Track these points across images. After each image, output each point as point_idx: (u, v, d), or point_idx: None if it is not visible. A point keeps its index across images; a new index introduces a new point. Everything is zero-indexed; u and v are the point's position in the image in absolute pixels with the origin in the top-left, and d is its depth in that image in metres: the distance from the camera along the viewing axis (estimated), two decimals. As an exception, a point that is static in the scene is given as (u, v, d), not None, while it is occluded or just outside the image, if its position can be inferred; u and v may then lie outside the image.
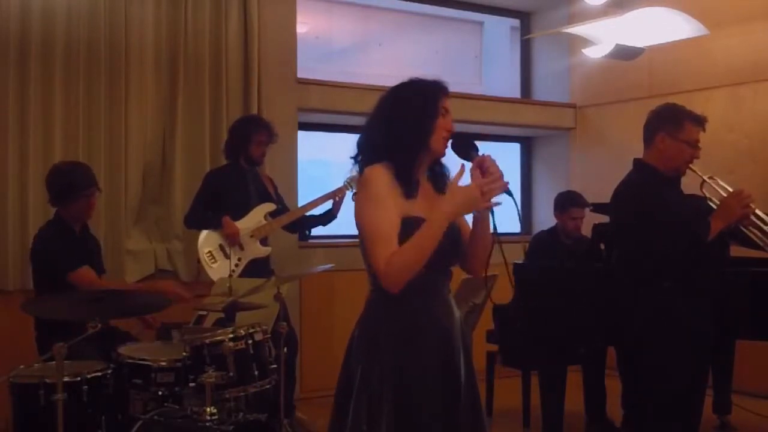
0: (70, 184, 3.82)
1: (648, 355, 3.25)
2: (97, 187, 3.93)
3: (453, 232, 2.30)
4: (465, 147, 2.29)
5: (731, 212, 3.17)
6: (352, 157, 2.34)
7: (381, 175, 2.21)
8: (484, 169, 2.20)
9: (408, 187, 2.23)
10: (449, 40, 7.38)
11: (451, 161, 2.40)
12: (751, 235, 3.25)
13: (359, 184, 2.27)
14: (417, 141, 2.26)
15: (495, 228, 2.24)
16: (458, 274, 2.41)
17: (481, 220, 2.28)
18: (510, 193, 2.22)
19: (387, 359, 2.19)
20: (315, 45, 6.45)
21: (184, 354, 3.37)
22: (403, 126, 2.25)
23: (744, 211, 3.17)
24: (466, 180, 2.20)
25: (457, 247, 2.31)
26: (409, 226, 2.19)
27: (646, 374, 3.28)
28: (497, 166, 2.20)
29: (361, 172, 2.28)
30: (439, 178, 2.36)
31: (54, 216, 3.95)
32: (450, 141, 2.30)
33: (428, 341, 2.22)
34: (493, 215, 2.23)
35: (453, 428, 2.22)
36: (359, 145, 2.33)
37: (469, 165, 2.25)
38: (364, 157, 2.31)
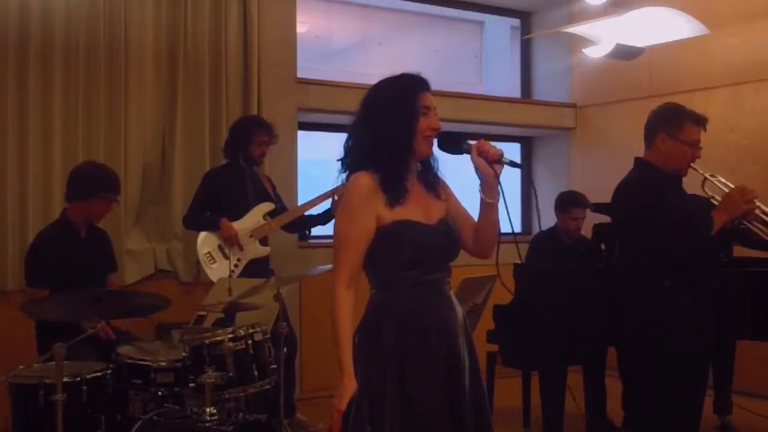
0: (95, 179, 3.82)
1: (648, 354, 3.24)
2: (118, 194, 3.92)
3: (450, 230, 2.30)
4: (454, 143, 2.25)
5: (735, 206, 3.17)
6: (339, 160, 2.30)
7: (361, 185, 2.20)
8: (484, 152, 2.19)
9: (394, 194, 2.21)
10: (449, 40, 7.37)
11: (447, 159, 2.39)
12: (757, 230, 3.24)
13: (345, 189, 2.26)
14: (399, 148, 2.22)
15: (502, 192, 2.22)
16: (458, 274, 2.41)
17: (486, 207, 2.25)
18: (514, 164, 2.22)
19: (388, 358, 2.18)
20: (315, 45, 6.45)
21: (184, 354, 3.36)
22: (383, 133, 2.20)
23: (748, 207, 3.17)
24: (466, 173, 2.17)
25: (455, 244, 2.31)
26: (401, 228, 2.19)
27: (646, 374, 3.27)
28: (496, 147, 2.20)
29: (348, 176, 2.27)
30: (429, 174, 2.34)
31: (60, 217, 3.94)
32: (437, 142, 2.25)
33: (430, 339, 2.21)
34: (500, 183, 2.22)
35: (458, 427, 2.21)
36: (345, 149, 2.30)
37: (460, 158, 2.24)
38: (350, 163, 2.28)
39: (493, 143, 2.23)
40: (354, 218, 2.19)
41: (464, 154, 2.24)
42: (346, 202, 2.23)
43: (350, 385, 2.12)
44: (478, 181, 2.23)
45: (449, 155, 2.31)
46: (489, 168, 2.19)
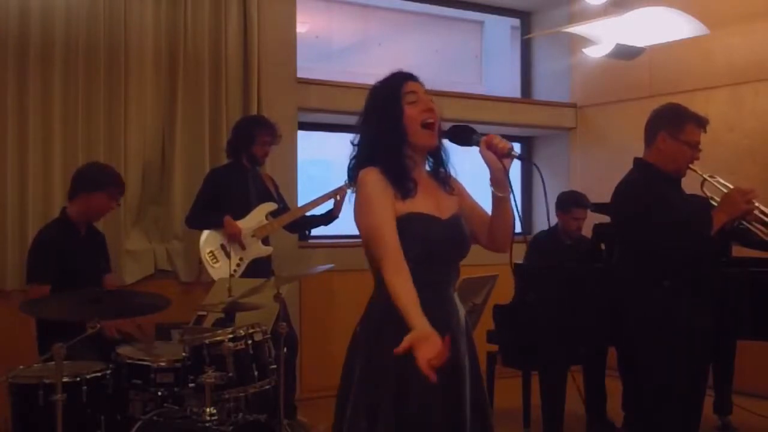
0: (103, 174, 3.87)
1: (648, 354, 3.24)
2: (120, 196, 3.95)
3: (462, 226, 2.30)
4: (464, 135, 2.25)
5: (735, 206, 3.16)
6: (349, 167, 2.32)
7: (373, 178, 2.19)
8: (493, 146, 2.19)
9: (402, 187, 2.21)
10: (449, 40, 7.37)
11: (454, 154, 2.38)
12: (756, 231, 3.24)
13: (356, 188, 2.26)
14: (392, 140, 2.22)
15: (511, 186, 2.23)
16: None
17: (497, 201, 2.26)
18: (523, 159, 2.23)
19: (388, 355, 2.17)
20: (315, 45, 6.45)
21: (184, 354, 3.36)
22: (375, 131, 2.23)
23: (748, 207, 3.17)
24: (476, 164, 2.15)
25: (464, 243, 2.29)
26: (411, 222, 2.18)
27: (646, 374, 3.27)
28: (505, 141, 2.20)
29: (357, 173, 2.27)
30: (440, 169, 2.34)
31: (60, 215, 3.95)
32: (449, 133, 2.25)
33: None
34: (508, 177, 2.22)
35: (456, 427, 2.20)
36: (352, 152, 2.32)
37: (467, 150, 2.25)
38: (355, 164, 2.30)
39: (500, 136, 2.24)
40: (377, 208, 2.16)
41: (474, 147, 2.23)
42: (363, 196, 2.20)
43: (421, 335, 1.95)
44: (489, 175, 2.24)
45: (458, 149, 2.32)
46: (498, 162, 2.19)
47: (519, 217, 2.28)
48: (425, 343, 1.94)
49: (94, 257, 3.94)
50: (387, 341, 2.17)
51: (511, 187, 2.24)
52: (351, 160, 2.32)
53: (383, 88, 2.27)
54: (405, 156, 2.25)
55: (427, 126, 2.23)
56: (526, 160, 2.01)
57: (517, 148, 2.25)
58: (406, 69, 2.32)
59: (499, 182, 2.22)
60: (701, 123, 3.31)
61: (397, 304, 2.06)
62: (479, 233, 2.35)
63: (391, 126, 2.22)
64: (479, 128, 2.30)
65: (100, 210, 3.91)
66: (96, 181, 3.84)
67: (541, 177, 2.37)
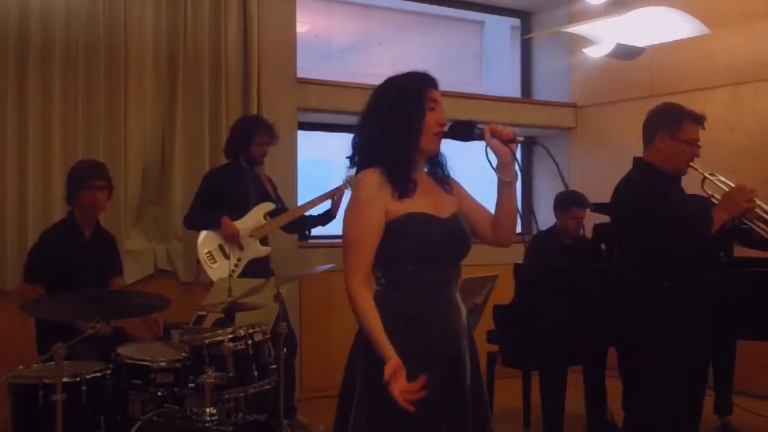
0: (81, 172, 3.88)
1: (648, 354, 3.24)
2: (102, 181, 3.92)
3: (462, 225, 2.30)
4: (465, 129, 2.27)
5: (735, 204, 3.16)
6: (348, 157, 2.33)
7: (369, 181, 2.20)
8: (498, 132, 2.22)
9: (402, 188, 2.21)
10: (449, 39, 7.37)
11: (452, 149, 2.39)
12: (758, 229, 3.23)
13: (353, 186, 2.28)
14: (406, 143, 2.23)
15: (520, 167, 2.27)
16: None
17: (503, 186, 2.28)
18: (525, 142, 2.27)
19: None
20: (315, 45, 6.45)
21: (184, 354, 3.37)
22: (390, 129, 2.22)
23: (748, 205, 3.16)
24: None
25: (464, 241, 2.30)
26: (410, 222, 2.19)
27: (646, 374, 3.27)
28: (507, 128, 2.24)
29: (357, 173, 2.28)
30: (438, 171, 2.35)
31: (66, 216, 3.97)
32: (450, 130, 2.27)
33: (433, 339, 2.21)
34: (517, 161, 2.26)
35: (457, 427, 2.21)
36: (353, 146, 2.32)
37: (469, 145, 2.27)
38: (357, 159, 2.30)
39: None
40: (363, 215, 2.19)
41: (475, 141, 2.26)
42: (354, 199, 2.23)
43: (398, 363, 2.06)
44: (492, 168, 2.26)
45: (456, 151, 2.33)
46: (505, 147, 2.23)
47: (521, 196, 2.31)
48: (400, 375, 2.04)
49: (96, 260, 3.93)
50: (389, 338, 2.18)
51: (519, 170, 2.27)
52: (353, 139, 2.31)
53: (407, 86, 2.26)
54: (411, 156, 2.26)
55: (436, 134, 2.26)
56: (533, 143, 2.05)
57: (516, 148, 2.27)
58: (424, 71, 2.32)
59: (507, 167, 2.25)
60: (698, 120, 3.30)
61: (363, 323, 2.14)
62: (482, 230, 2.37)
63: (410, 125, 2.22)
64: (479, 128, 2.30)
65: (91, 205, 3.89)
66: (78, 179, 3.85)
67: (551, 157, 2.36)
